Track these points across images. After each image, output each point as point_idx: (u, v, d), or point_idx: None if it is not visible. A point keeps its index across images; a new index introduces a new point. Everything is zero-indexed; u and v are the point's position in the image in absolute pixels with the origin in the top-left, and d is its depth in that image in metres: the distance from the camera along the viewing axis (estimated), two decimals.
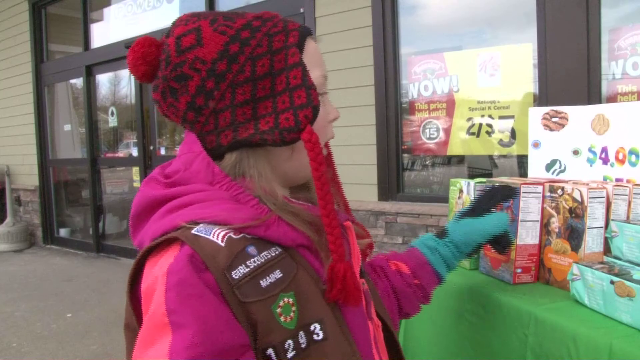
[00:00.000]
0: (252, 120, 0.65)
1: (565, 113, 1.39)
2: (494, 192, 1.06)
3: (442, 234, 0.99)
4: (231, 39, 0.64)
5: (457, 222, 1.00)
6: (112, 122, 5.67)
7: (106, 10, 5.60)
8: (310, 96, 0.64)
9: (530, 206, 1.16)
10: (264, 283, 0.58)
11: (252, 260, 0.59)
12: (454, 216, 1.03)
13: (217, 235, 0.59)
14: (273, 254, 0.61)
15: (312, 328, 0.60)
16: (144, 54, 0.67)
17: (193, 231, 0.59)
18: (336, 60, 3.34)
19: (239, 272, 0.57)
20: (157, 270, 0.57)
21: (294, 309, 0.59)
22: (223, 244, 0.58)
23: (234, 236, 0.59)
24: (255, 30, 0.66)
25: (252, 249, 0.60)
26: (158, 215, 0.63)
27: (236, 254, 0.58)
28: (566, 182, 1.19)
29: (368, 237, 0.83)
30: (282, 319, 0.58)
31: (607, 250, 1.09)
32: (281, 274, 0.60)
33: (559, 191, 1.13)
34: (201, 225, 0.60)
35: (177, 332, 0.53)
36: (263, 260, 0.59)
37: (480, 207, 1.02)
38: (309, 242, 0.65)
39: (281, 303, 0.58)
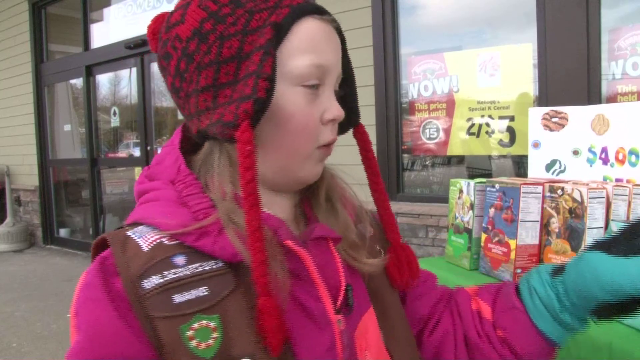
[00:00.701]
0: (211, 109, 0.57)
1: (565, 113, 1.39)
2: None
3: (558, 270, 0.64)
4: (209, 16, 0.56)
5: (580, 257, 0.61)
6: (114, 122, 5.67)
7: (106, 11, 5.60)
8: (256, 86, 0.52)
9: (530, 206, 1.16)
10: (177, 299, 0.50)
11: (173, 271, 0.51)
12: (588, 245, 0.64)
13: (147, 240, 0.53)
14: (206, 268, 0.52)
15: None
16: (154, 30, 0.63)
17: (129, 232, 0.55)
18: None
19: (152, 281, 0.50)
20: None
21: (215, 335, 0.50)
22: (146, 249, 0.52)
23: (166, 242, 0.53)
24: (240, 5, 0.56)
25: (180, 259, 0.52)
26: (135, 208, 0.60)
27: (157, 261, 0.51)
28: (566, 182, 1.19)
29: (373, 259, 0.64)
30: (192, 344, 0.49)
31: None
32: (206, 292, 0.51)
33: (559, 191, 1.13)
34: (141, 226, 0.55)
35: (77, 334, 0.51)
36: (188, 273, 0.51)
37: (630, 238, 0.59)
38: None
39: (195, 325, 0.50)
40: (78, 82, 5.91)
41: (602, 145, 1.31)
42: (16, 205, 6.45)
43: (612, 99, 2.50)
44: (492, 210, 1.24)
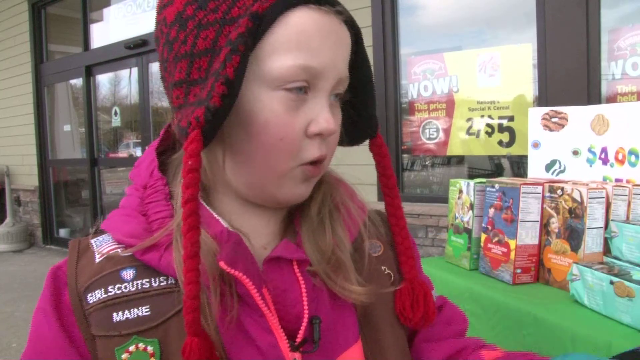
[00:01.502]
0: (182, 107, 0.49)
1: (565, 113, 1.39)
2: None
3: None
4: None
5: None
6: (115, 122, 5.67)
7: (106, 11, 5.60)
8: (211, 91, 0.44)
9: (529, 206, 1.16)
10: (116, 317, 0.46)
11: (117, 286, 0.47)
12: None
13: (103, 250, 0.50)
14: (154, 285, 0.47)
15: None
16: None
17: (93, 239, 0.52)
18: None
19: (95, 296, 0.47)
20: None
21: None
22: (98, 260, 0.49)
23: (121, 254, 0.49)
24: None
25: (128, 273, 0.48)
26: None
27: (104, 274, 0.48)
28: (566, 182, 1.19)
29: (360, 286, 0.53)
30: None
31: (606, 250, 1.09)
32: (148, 312, 0.46)
33: (559, 191, 1.13)
34: (105, 235, 0.52)
35: (27, 343, 0.49)
36: (133, 289, 0.47)
37: None
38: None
39: (131, 348, 0.45)
40: (78, 82, 5.91)
41: (601, 145, 1.31)
42: (16, 205, 6.45)
43: (611, 99, 2.50)
44: (491, 211, 1.24)
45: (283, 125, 0.48)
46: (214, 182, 0.53)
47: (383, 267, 0.59)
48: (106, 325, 0.46)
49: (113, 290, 0.47)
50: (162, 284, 0.48)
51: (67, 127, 6.17)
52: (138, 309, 0.46)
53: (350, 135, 0.57)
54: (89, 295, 0.47)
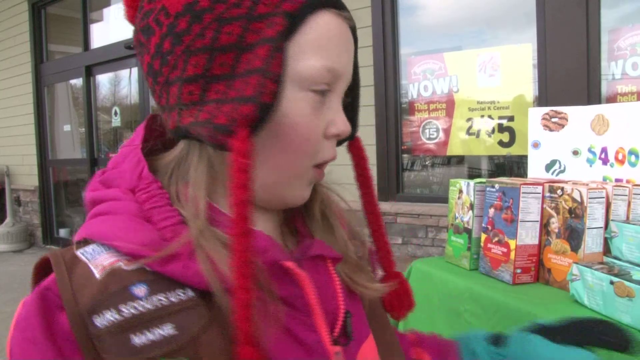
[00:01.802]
0: (197, 104, 0.47)
1: (565, 113, 1.39)
2: (592, 324, 0.68)
3: (499, 340, 0.70)
4: None
5: (526, 337, 0.68)
6: (115, 122, 5.67)
7: (106, 11, 5.60)
8: (261, 87, 0.44)
9: (529, 206, 1.16)
10: (138, 340, 0.41)
11: (132, 304, 0.42)
12: (527, 324, 0.71)
13: (100, 263, 0.43)
14: (173, 300, 0.43)
15: None
16: None
17: (78, 252, 0.45)
18: None
19: (105, 318, 0.41)
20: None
21: None
22: (99, 276, 0.42)
23: (124, 267, 0.43)
24: None
25: (139, 289, 0.42)
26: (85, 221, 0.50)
27: (112, 292, 0.42)
28: (566, 182, 1.19)
29: (390, 280, 0.59)
30: None
31: (606, 250, 1.09)
32: (173, 332, 0.42)
33: (559, 191, 1.13)
34: (93, 245, 0.45)
35: None
36: (150, 307, 0.42)
37: (567, 330, 0.68)
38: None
39: None
40: (78, 82, 5.91)
41: (601, 145, 1.31)
42: (16, 205, 6.45)
43: (611, 99, 2.50)
44: (491, 211, 1.24)
45: (310, 126, 0.49)
46: (222, 183, 0.51)
47: (367, 266, 0.62)
48: (126, 351, 0.41)
49: (127, 310, 0.41)
50: (181, 298, 0.43)
51: (67, 127, 6.17)
52: (160, 329, 0.42)
53: None
54: (96, 317, 0.41)
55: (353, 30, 0.53)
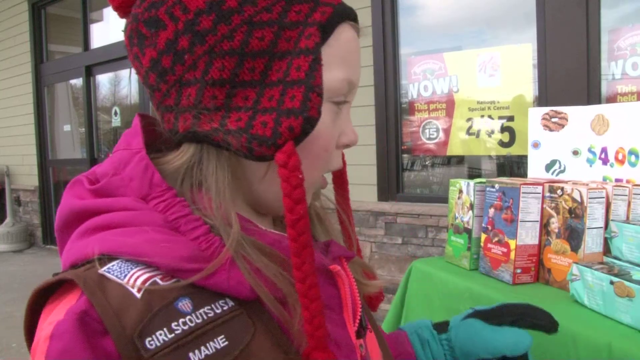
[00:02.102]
0: (221, 109, 0.45)
1: (565, 113, 1.39)
2: (528, 310, 0.74)
3: (442, 327, 0.76)
4: None
5: (465, 322, 0.73)
6: (115, 122, 5.67)
7: (106, 11, 5.60)
8: (307, 101, 0.43)
9: (529, 206, 1.16)
10: (194, 357, 0.39)
11: (181, 321, 0.40)
12: (466, 311, 0.77)
13: (135, 281, 0.40)
14: (218, 311, 0.42)
15: None
16: None
17: (101, 270, 0.41)
18: None
19: (157, 339, 0.39)
20: (45, 328, 0.40)
21: None
22: (139, 295, 0.40)
23: (160, 282, 0.41)
24: None
25: (184, 304, 0.41)
26: (77, 234, 0.45)
27: (156, 311, 0.40)
28: (566, 182, 1.19)
29: (375, 279, 0.62)
30: None
31: (606, 250, 1.09)
32: (225, 342, 0.41)
33: (559, 191, 1.13)
34: (117, 261, 0.42)
35: None
36: (200, 322, 0.41)
37: (501, 313, 0.73)
38: (280, 294, 0.45)
39: None
40: (78, 82, 5.91)
41: (601, 145, 1.31)
42: (16, 205, 6.45)
43: (611, 99, 2.50)
44: (491, 211, 1.24)
45: (329, 137, 0.50)
46: (242, 190, 0.51)
47: None
48: None
49: (179, 327, 0.40)
50: (225, 308, 0.43)
51: (67, 127, 6.17)
52: (214, 342, 0.41)
53: None
54: (148, 339, 0.38)
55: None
